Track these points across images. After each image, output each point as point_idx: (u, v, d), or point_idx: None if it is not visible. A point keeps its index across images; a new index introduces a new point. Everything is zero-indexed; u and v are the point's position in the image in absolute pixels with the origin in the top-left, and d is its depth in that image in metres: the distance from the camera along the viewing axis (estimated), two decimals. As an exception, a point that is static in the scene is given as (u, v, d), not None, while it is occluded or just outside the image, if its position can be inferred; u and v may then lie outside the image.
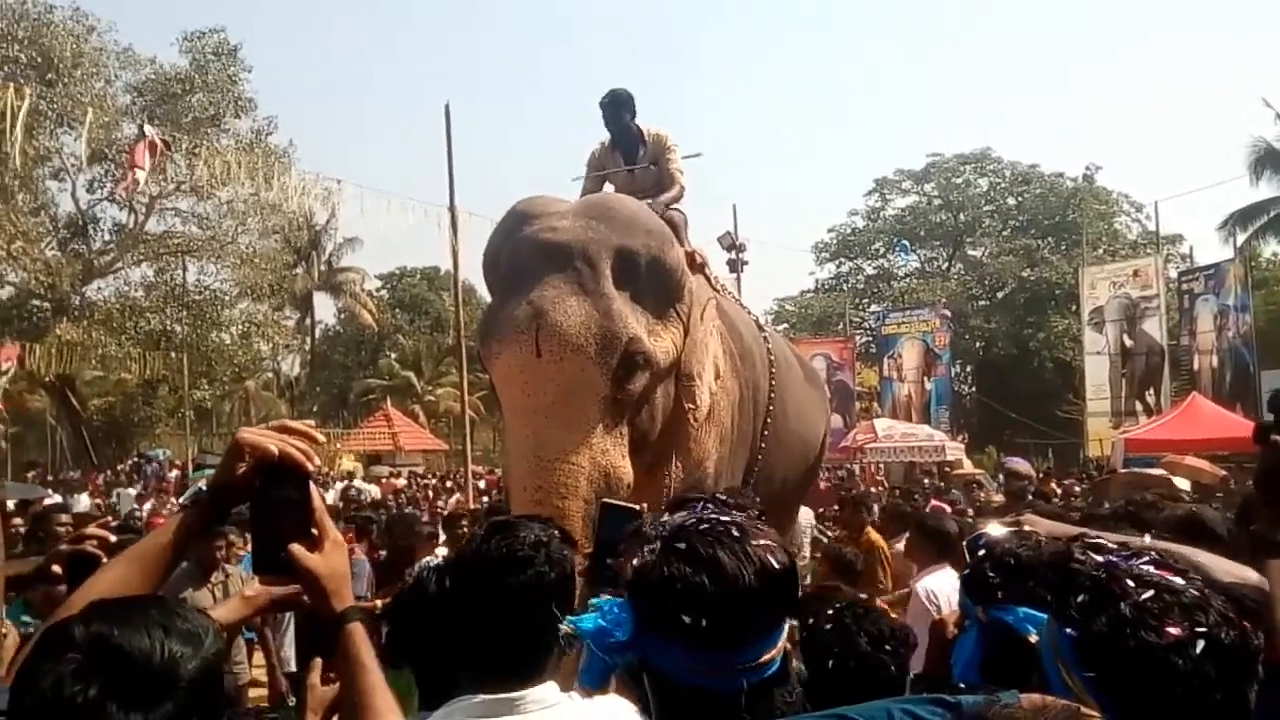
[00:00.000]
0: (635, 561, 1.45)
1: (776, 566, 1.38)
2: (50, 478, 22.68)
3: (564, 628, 1.53)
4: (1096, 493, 11.08)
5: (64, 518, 7.25)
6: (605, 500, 2.36)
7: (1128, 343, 26.30)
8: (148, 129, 14.97)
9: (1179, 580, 1.33)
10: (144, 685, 1.21)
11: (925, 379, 30.20)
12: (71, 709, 1.19)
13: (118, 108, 24.91)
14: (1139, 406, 25.55)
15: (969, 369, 40.38)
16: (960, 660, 1.96)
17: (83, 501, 15.81)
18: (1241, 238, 29.35)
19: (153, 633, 1.23)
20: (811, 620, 2.17)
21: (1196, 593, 1.31)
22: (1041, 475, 17.62)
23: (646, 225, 5.13)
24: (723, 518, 1.43)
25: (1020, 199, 41.83)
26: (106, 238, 28.22)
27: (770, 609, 1.38)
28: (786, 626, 1.43)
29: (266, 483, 1.54)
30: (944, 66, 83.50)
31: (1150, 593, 1.30)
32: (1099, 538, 1.85)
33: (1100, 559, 1.39)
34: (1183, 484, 9.75)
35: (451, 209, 16.06)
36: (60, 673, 1.20)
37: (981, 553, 2.02)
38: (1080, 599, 1.34)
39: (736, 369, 5.95)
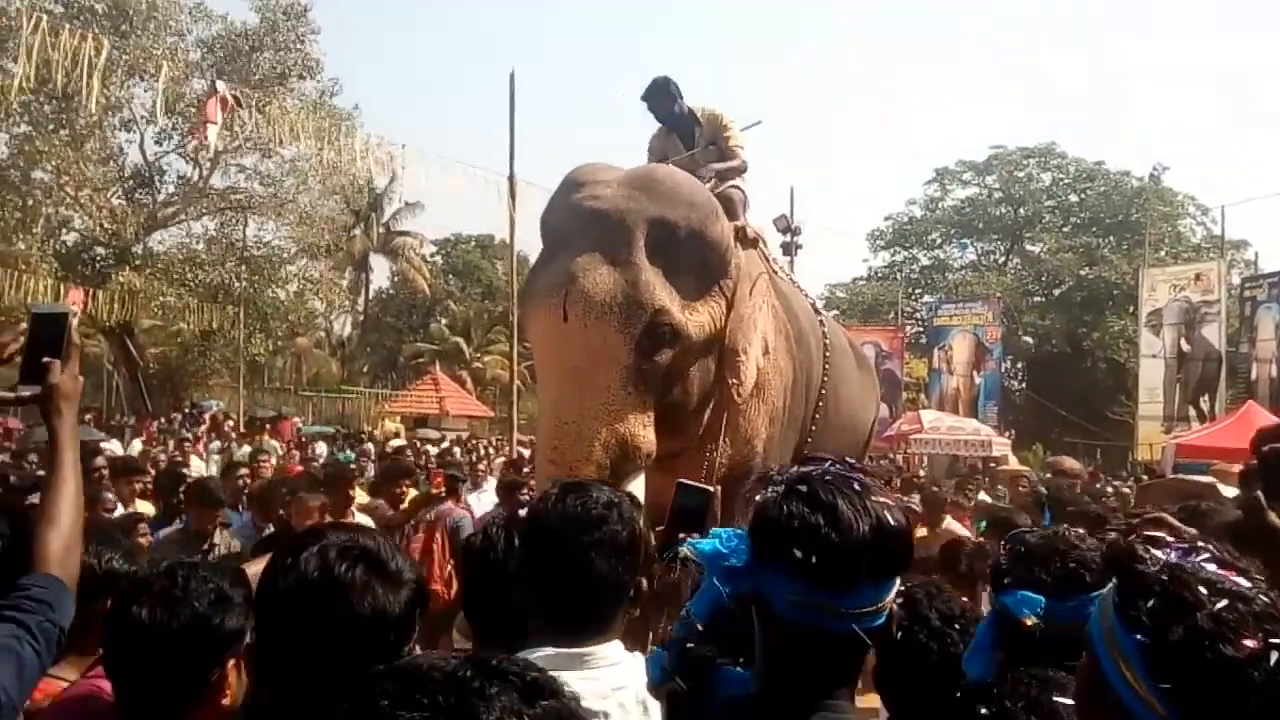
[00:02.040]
0: (758, 498, 1.51)
1: (892, 523, 1.43)
2: (106, 423, 23.16)
3: (683, 550, 1.58)
4: (1141, 497, 10.97)
5: (99, 461, 7.35)
6: (680, 481, 2.42)
7: (1185, 347, 25.89)
8: (220, 84, 15.18)
9: (1245, 583, 1.31)
10: (388, 576, 1.56)
11: (975, 373, 29.95)
12: (342, 584, 1.52)
13: (188, 62, 25.22)
14: (1192, 412, 25.19)
15: (1020, 365, 39.94)
16: (972, 647, 1.98)
17: (135, 446, 16.16)
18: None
19: (381, 543, 1.62)
20: None
21: (1266, 599, 1.29)
22: (1091, 474, 17.49)
23: (689, 198, 5.13)
24: (848, 474, 1.48)
25: (1083, 196, 41.10)
26: (171, 190, 28.65)
27: (880, 562, 1.42)
28: (895, 584, 1.47)
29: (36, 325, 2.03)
30: (1012, 58, 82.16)
31: (1225, 602, 1.27)
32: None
33: (1163, 557, 1.36)
34: (1231, 492, 9.60)
35: (511, 178, 16.16)
36: (326, 556, 1.54)
37: (1006, 544, 2.07)
38: (1150, 604, 1.31)
39: (790, 350, 5.95)
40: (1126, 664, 1.32)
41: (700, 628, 1.63)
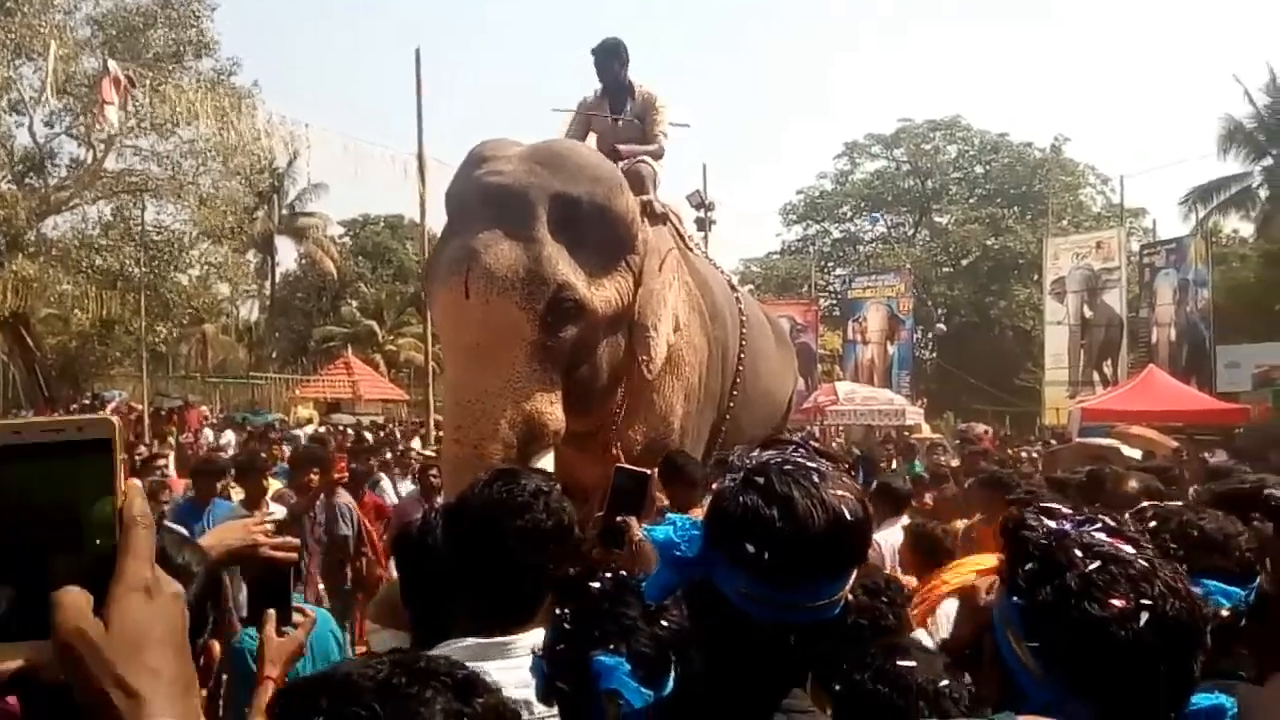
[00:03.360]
0: (716, 486, 1.47)
1: (848, 516, 1.37)
2: (4, 416, 22.34)
3: (637, 533, 1.52)
4: (1049, 461, 11.26)
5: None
6: (618, 465, 2.38)
7: (1088, 314, 26.63)
8: (111, 64, 14.64)
9: (1129, 549, 1.33)
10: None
11: (888, 343, 30.45)
12: None
13: (77, 40, 24.29)
14: (1096, 377, 25.94)
15: (931, 335, 40.76)
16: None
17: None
18: (1202, 213, 29.70)
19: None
20: None
21: (1145, 563, 1.31)
22: (998, 442, 17.92)
23: (593, 173, 5.11)
24: (807, 462, 1.42)
25: (988, 167, 42.04)
26: (64, 173, 27.63)
27: (836, 555, 1.37)
28: (851, 577, 1.42)
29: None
30: (918, 32, 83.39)
31: (1098, 564, 1.31)
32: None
33: (1052, 525, 1.39)
34: (1134, 454, 9.90)
35: (420, 156, 15.91)
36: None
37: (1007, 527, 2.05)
38: (1028, 567, 1.35)
39: (705, 326, 5.95)
40: (1011, 629, 1.35)
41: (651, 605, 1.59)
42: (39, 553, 0.78)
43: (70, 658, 0.75)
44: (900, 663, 1.94)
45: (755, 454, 1.47)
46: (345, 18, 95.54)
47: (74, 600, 0.76)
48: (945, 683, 1.90)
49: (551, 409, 4.77)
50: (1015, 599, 1.34)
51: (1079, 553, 1.32)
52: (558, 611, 1.69)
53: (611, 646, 1.58)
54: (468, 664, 1.70)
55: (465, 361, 4.87)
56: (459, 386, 4.87)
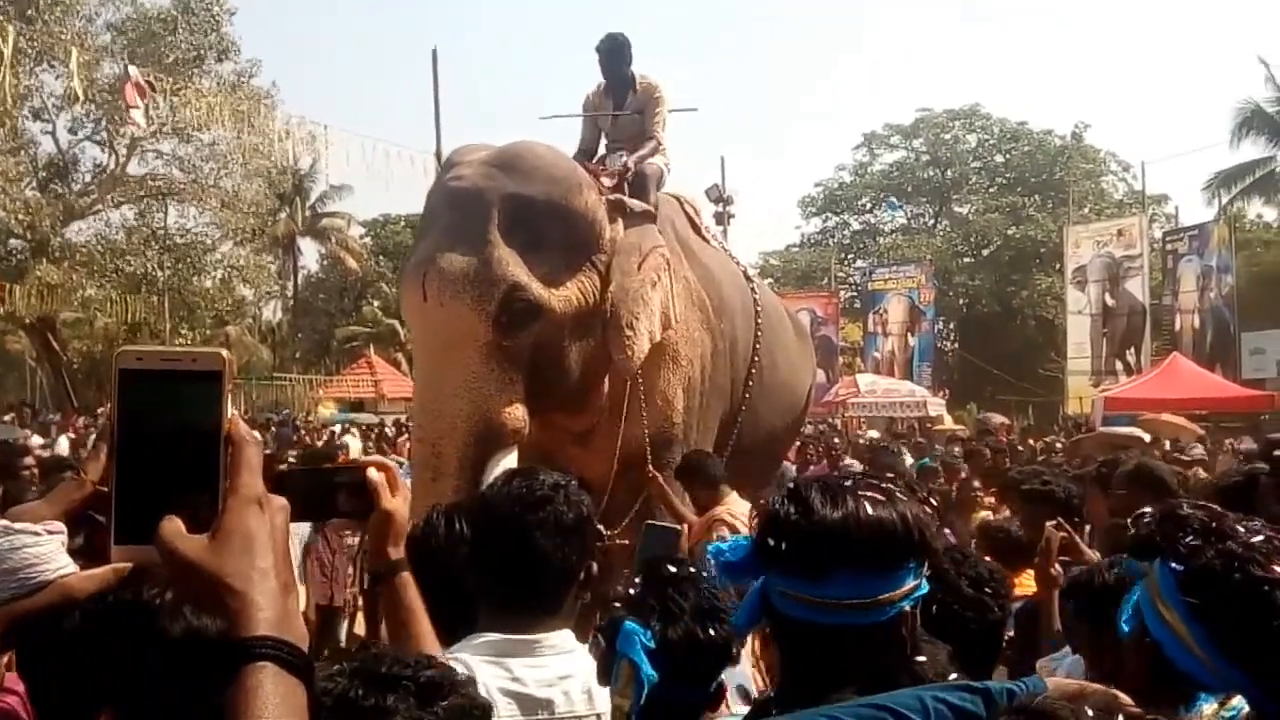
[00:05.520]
0: (762, 501, 1.52)
1: (869, 512, 1.40)
2: (31, 420, 22.57)
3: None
4: (1071, 451, 11.22)
5: (28, 460, 7.12)
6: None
7: (1109, 302, 26.41)
8: (132, 70, 14.78)
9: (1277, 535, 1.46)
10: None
11: (909, 335, 30.32)
12: None
13: (98, 46, 24.51)
14: (1119, 365, 25.73)
15: (952, 325, 40.53)
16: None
17: (62, 444, 15.71)
18: (1225, 199, 29.41)
19: None
20: None
21: None
22: (1020, 431, 17.85)
23: (549, 173, 5.16)
24: (866, 477, 1.50)
25: (1008, 156, 41.71)
26: (87, 179, 27.90)
27: (857, 552, 1.39)
28: (898, 582, 1.41)
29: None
30: (937, 21, 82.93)
31: (1260, 537, 1.43)
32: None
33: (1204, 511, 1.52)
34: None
35: (438, 155, 15.97)
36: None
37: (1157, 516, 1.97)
38: (1189, 539, 1.45)
39: (708, 320, 5.97)
40: (1160, 597, 1.46)
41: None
42: (159, 465, 0.91)
43: (173, 566, 0.88)
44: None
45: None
46: (361, 18, 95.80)
47: (169, 527, 0.89)
48: (954, 675, 1.90)
49: (509, 409, 4.83)
50: (1173, 565, 1.44)
51: (1240, 528, 1.45)
52: (634, 580, 1.75)
53: (649, 623, 1.64)
54: (488, 658, 1.75)
55: (426, 363, 5.08)
56: (420, 387, 5.07)
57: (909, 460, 9.19)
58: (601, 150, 6.32)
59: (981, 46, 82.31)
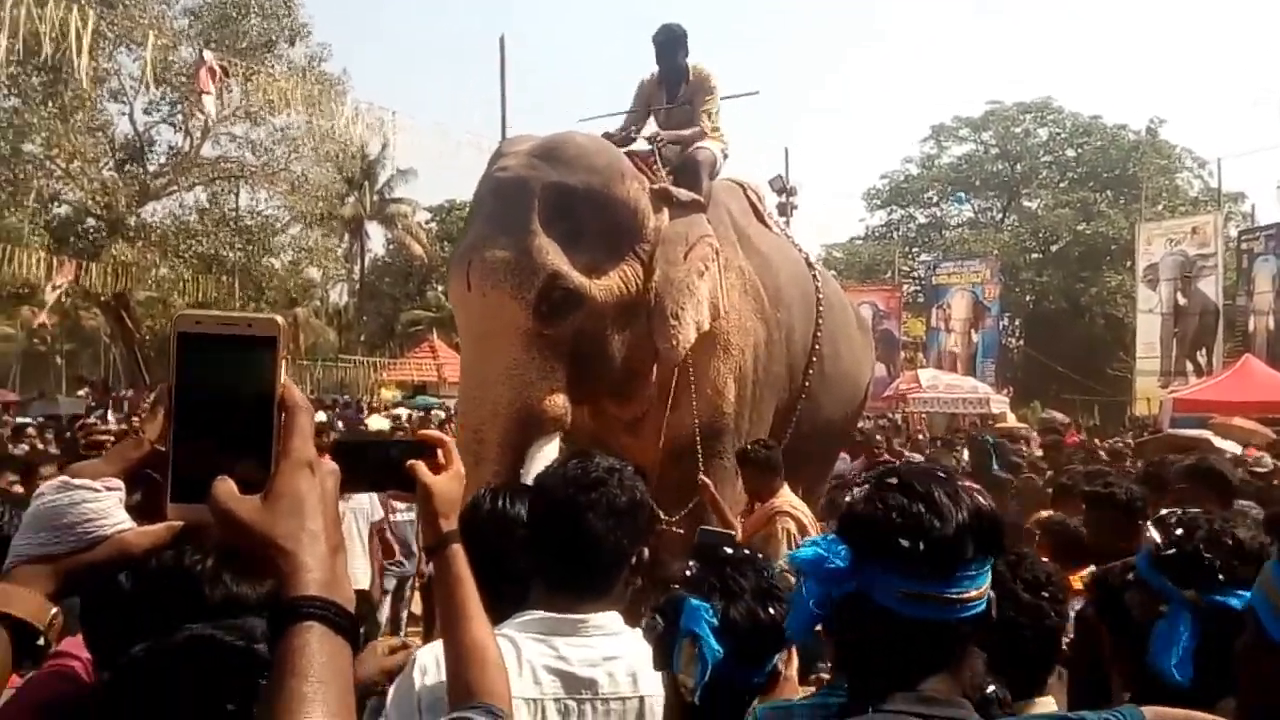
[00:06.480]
0: (846, 499, 1.51)
1: (985, 504, 1.42)
2: (104, 395, 23.15)
3: (780, 564, 1.60)
4: (1139, 451, 11.01)
5: (105, 428, 7.37)
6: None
7: (1181, 301, 25.85)
8: (206, 55, 15.06)
9: None
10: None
11: (973, 331, 29.95)
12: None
13: (175, 30, 24.99)
14: (1189, 366, 25.19)
15: (1018, 322, 39.92)
16: (1165, 650, 1.72)
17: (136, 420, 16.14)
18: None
19: None
20: None
21: None
22: (1087, 431, 17.55)
23: (590, 163, 5.16)
24: (928, 466, 1.51)
25: (1080, 151, 40.89)
26: (162, 160, 28.45)
27: (978, 545, 1.40)
28: (990, 568, 1.44)
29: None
30: (1009, 13, 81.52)
31: None
32: None
33: None
34: (1233, 447, 9.60)
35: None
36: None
37: (1181, 531, 1.81)
38: None
39: (763, 310, 5.93)
40: (1273, 591, 1.42)
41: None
42: (214, 427, 0.95)
43: (226, 526, 0.91)
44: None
45: (871, 470, 1.56)
46: (432, 1, 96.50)
47: (222, 488, 0.92)
48: (991, 688, 1.86)
49: (552, 397, 4.86)
50: None
51: None
52: (690, 563, 1.76)
53: (711, 601, 1.65)
54: (535, 635, 1.79)
55: (469, 351, 5.15)
56: (464, 374, 5.14)
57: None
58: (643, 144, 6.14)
59: (1055, 39, 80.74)
